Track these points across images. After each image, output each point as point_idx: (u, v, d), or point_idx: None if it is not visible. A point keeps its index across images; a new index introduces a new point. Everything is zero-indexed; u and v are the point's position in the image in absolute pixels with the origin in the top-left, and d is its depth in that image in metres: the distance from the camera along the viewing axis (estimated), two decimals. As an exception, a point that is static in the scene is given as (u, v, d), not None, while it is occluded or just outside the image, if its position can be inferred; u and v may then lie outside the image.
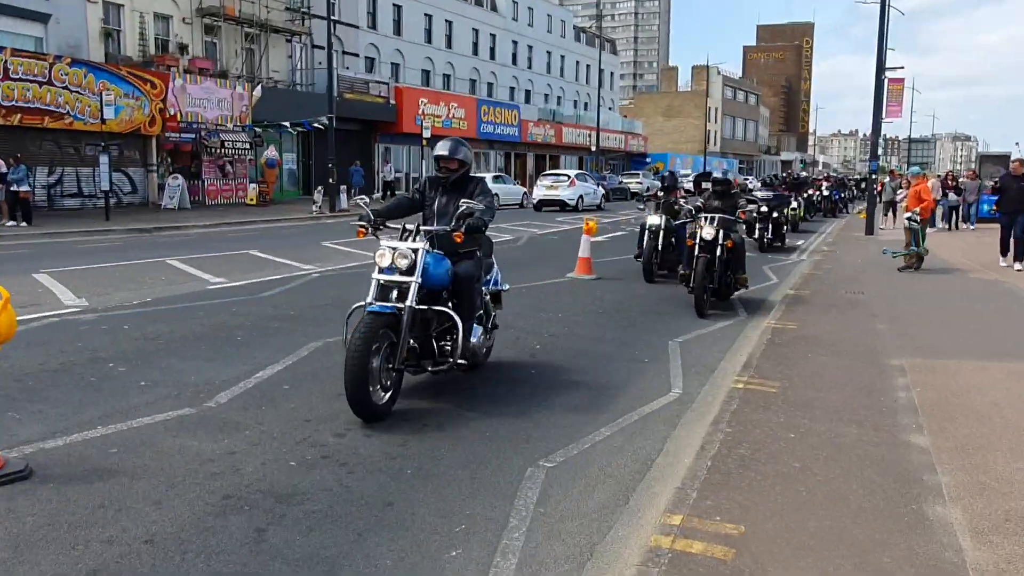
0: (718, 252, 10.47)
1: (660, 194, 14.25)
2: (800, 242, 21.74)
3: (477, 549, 3.89)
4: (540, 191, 34.58)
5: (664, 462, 5.13)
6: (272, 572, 3.60)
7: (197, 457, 4.92)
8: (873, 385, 6.77)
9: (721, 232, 10.53)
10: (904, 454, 5.11)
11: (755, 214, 17.71)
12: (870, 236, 23.75)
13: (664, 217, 13.46)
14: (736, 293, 11.40)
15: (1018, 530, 4.03)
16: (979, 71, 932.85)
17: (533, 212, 32.75)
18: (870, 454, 5.08)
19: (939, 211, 26.01)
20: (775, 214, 19.13)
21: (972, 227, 27.08)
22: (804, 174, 47.68)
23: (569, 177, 35.24)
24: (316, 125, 31.26)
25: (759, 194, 19.65)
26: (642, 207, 15.55)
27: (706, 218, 10.66)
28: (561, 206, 33.50)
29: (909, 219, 15.66)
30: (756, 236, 18.69)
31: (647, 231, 13.61)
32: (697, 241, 10.52)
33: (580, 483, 4.75)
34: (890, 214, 27.85)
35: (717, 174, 12.91)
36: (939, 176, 35.38)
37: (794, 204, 24.18)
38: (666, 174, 15.09)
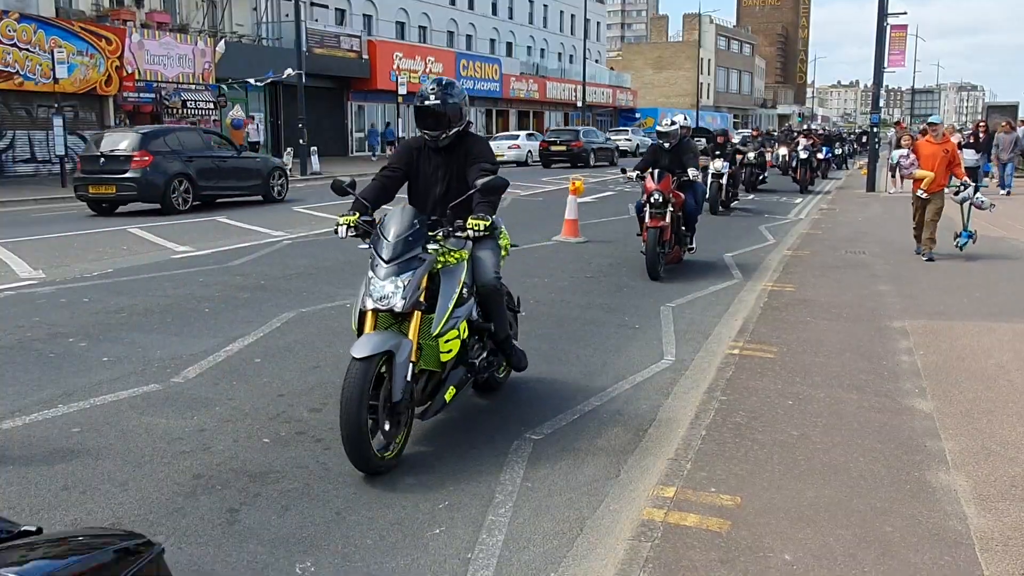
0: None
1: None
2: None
3: (461, 526, 3.91)
4: None
5: (657, 432, 5.17)
6: (247, 553, 3.62)
7: (165, 435, 4.91)
8: (874, 349, 6.83)
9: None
10: (906, 420, 5.16)
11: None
12: (871, 193, 23.84)
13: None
14: (730, 254, 11.49)
15: (1024, 496, 4.09)
16: (984, 18, 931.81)
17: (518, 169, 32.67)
18: (871, 420, 5.14)
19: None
20: None
21: (1005, 192, 22.41)
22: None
23: None
24: (285, 77, 30.84)
25: None
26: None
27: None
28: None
29: (961, 195, 11.89)
30: None
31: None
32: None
33: (569, 456, 4.78)
34: (898, 175, 22.86)
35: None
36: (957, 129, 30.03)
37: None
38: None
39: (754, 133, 27.90)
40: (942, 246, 11.96)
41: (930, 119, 13.02)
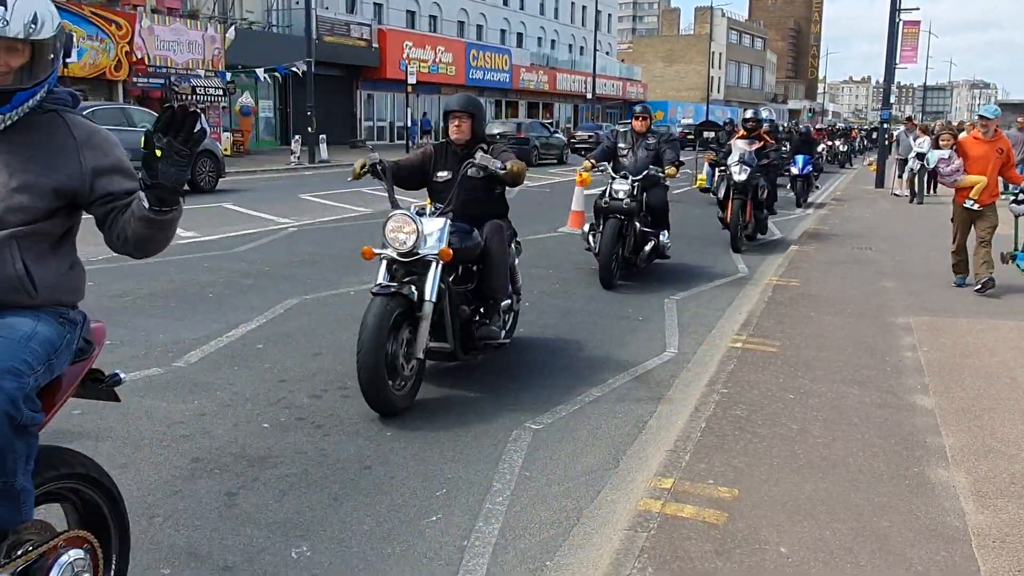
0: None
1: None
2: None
3: (458, 514, 3.92)
4: None
5: (656, 424, 5.17)
6: (244, 537, 3.62)
7: (165, 419, 4.93)
8: (877, 345, 6.81)
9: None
10: (907, 416, 5.15)
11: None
12: (880, 190, 23.75)
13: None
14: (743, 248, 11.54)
15: (1023, 493, 4.08)
16: (995, 15, 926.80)
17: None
18: (872, 416, 5.13)
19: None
20: None
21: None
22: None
23: None
24: (293, 70, 30.87)
25: None
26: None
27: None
28: None
29: (1021, 207, 9.47)
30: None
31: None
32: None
33: (568, 446, 4.78)
34: (904, 176, 21.24)
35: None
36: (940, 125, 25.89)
37: None
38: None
39: (636, 123, 10.01)
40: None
41: (981, 110, 9.71)
